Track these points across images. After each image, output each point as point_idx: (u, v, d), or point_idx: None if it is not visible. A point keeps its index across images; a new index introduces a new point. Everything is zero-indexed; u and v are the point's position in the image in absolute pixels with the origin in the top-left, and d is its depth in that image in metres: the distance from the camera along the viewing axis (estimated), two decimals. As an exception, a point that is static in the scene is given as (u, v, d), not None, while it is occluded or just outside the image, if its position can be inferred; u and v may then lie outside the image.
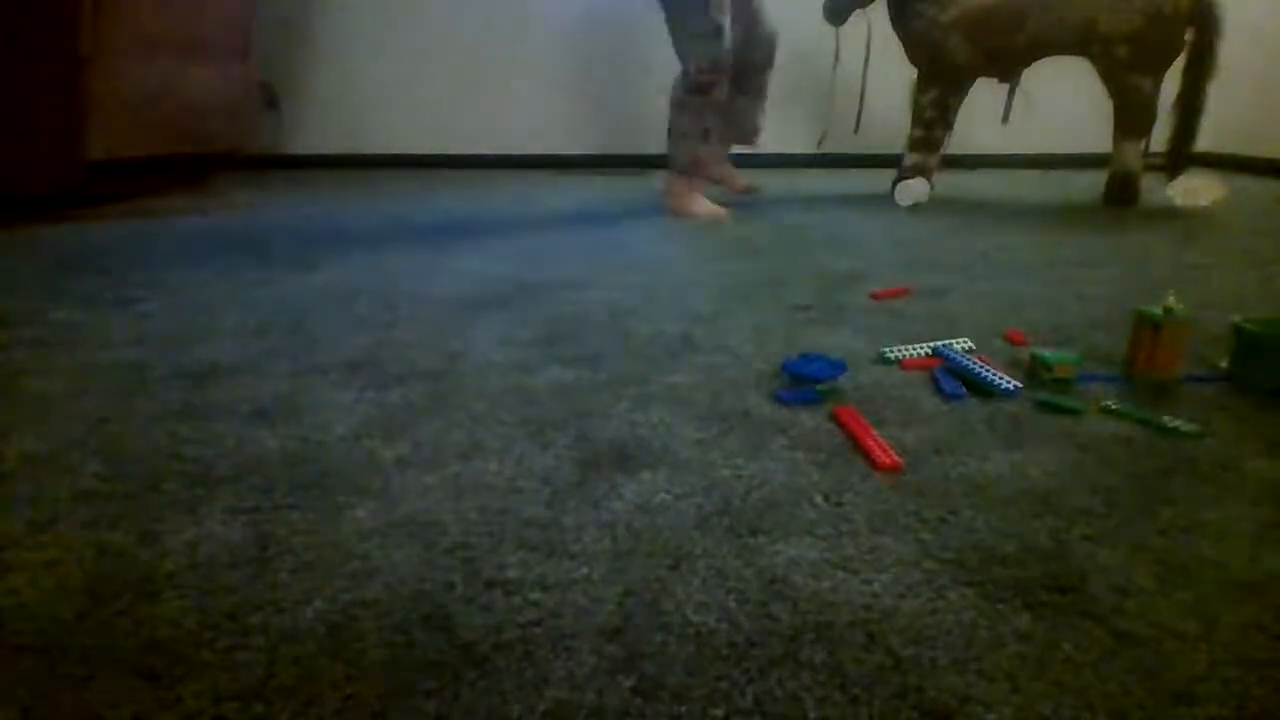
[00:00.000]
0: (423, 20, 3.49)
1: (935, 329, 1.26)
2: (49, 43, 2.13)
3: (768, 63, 2.53)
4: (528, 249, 1.89)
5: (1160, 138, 2.40)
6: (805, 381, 1.00)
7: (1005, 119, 2.61)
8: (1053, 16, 2.34)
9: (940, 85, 2.50)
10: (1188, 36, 2.27)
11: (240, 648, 0.55)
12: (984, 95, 2.73)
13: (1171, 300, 1.02)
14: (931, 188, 2.56)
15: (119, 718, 0.49)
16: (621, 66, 3.56)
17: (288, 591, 0.61)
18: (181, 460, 0.82)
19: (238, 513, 0.72)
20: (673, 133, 2.26)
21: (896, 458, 0.81)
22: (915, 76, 2.55)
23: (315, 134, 3.60)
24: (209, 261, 1.75)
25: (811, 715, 0.49)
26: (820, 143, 2.93)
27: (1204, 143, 2.47)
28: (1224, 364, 1.07)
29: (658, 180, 2.86)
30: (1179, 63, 2.31)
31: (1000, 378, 1.00)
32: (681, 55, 2.20)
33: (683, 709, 0.50)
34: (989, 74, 2.53)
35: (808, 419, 0.93)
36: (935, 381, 1.04)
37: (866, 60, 2.68)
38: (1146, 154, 2.46)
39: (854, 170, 3.45)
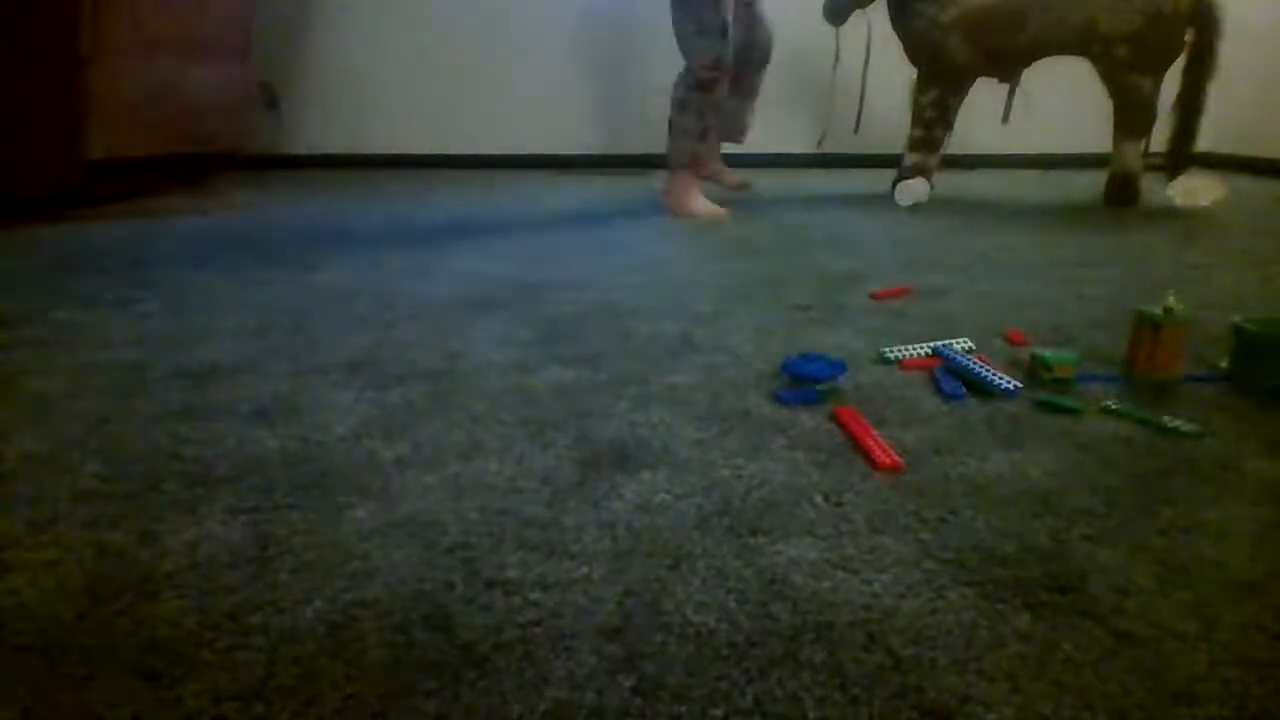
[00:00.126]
0: (423, 20, 3.49)
1: (935, 329, 1.26)
2: (49, 43, 2.13)
3: (763, 63, 2.55)
4: (528, 249, 1.89)
5: (1160, 138, 2.40)
6: (805, 381, 1.00)
7: (1005, 119, 2.61)
8: (1053, 16, 2.34)
9: (940, 85, 2.50)
10: (1188, 36, 2.28)
11: (240, 648, 0.55)
12: (984, 95, 2.73)
13: (1171, 300, 1.02)
14: (931, 188, 2.56)
15: (119, 718, 0.49)
16: (621, 66, 3.56)
17: (288, 591, 0.61)
18: (181, 460, 0.82)
19: (238, 513, 0.72)
20: (673, 130, 2.26)
21: (896, 458, 0.81)
22: (915, 76, 2.55)
23: (315, 134, 3.60)
24: (209, 261, 1.75)
25: (811, 715, 0.49)
26: (820, 142, 2.93)
27: (1204, 143, 2.47)
28: (1224, 364, 1.07)
29: (658, 180, 2.86)
30: (1179, 63, 2.31)
31: (1000, 378, 1.00)
32: (685, 52, 2.20)
33: (683, 709, 0.50)
34: (989, 74, 2.53)
35: (808, 419, 0.93)
36: (935, 381, 1.04)
37: (866, 60, 2.68)
38: (1146, 154, 2.46)
39: (854, 170, 3.45)
